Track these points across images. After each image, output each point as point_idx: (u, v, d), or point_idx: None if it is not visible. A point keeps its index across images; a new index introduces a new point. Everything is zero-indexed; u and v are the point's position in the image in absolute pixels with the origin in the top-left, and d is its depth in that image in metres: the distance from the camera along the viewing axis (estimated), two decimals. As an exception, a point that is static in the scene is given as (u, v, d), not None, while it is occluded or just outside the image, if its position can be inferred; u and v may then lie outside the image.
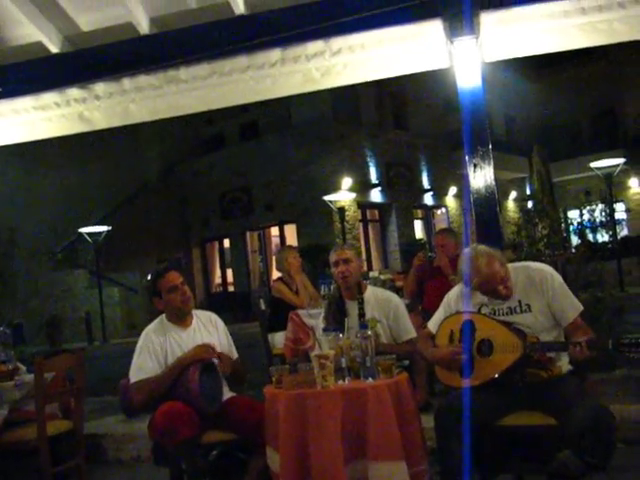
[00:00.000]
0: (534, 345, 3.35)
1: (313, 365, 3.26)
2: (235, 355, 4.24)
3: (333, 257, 4.38)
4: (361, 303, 4.11)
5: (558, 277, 3.53)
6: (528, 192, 28.41)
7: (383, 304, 4.39)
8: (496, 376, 3.38)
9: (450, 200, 26.68)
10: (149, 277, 4.17)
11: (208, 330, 4.18)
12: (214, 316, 4.30)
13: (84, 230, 19.00)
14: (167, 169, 24.63)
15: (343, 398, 3.18)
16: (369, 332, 3.40)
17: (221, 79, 5.17)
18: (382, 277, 13.35)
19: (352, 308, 4.28)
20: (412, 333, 4.35)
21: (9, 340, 5.01)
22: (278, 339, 6.32)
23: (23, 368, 4.89)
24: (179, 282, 4.08)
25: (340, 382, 3.30)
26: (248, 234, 23.99)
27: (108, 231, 19.06)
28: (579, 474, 2.89)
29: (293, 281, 6.82)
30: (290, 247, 8.34)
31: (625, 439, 4.47)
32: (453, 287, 4.17)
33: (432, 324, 3.82)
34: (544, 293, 3.47)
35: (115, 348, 15.37)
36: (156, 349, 3.97)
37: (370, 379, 3.29)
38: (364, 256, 22.58)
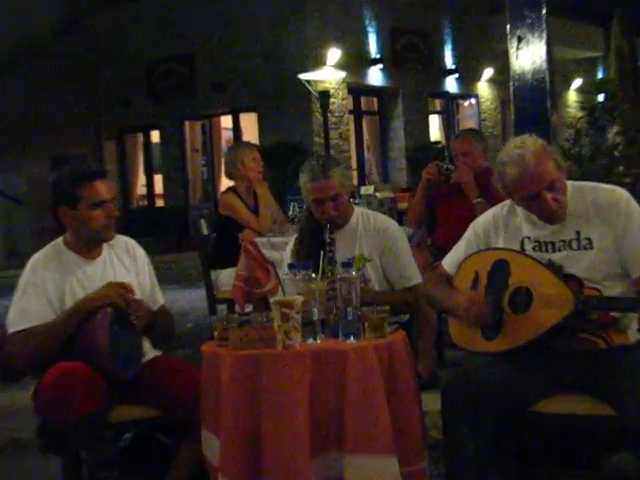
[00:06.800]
0: (590, 300, 3.39)
1: (273, 316, 3.32)
2: (160, 300, 4.32)
3: (311, 193, 4.36)
4: (331, 244, 4.16)
5: (636, 205, 3.52)
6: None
7: (376, 235, 4.45)
8: (533, 339, 3.45)
9: (483, 87, 26.60)
10: (61, 175, 4.08)
11: (123, 263, 4.22)
12: (132, 243, 4.33)
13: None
14: (69, 22, 24.24)
15: (313, 363, 3.25)
16: (354, 273, 3.45)
17: None
18: (379, 195, 13.39)
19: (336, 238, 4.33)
20: (416, 278, 4.42)
21: None
22: (225, 278, 6.39)
23: None
24: (109, 197, 4.07)
25: (310, 341, 3.37)
26: (187, 124, 23.82)
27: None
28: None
29: (250, 194, 6.82)
30: (247, 144, 8.31)
31: None
32: (478, 212, 4.23)
33: (449, 262, 3.89)
34: (613, 225, 3.47)
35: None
36: (47, 287, 3.99)
37: (352, 338, 3.36)
38: (355, 164, 22.57)
